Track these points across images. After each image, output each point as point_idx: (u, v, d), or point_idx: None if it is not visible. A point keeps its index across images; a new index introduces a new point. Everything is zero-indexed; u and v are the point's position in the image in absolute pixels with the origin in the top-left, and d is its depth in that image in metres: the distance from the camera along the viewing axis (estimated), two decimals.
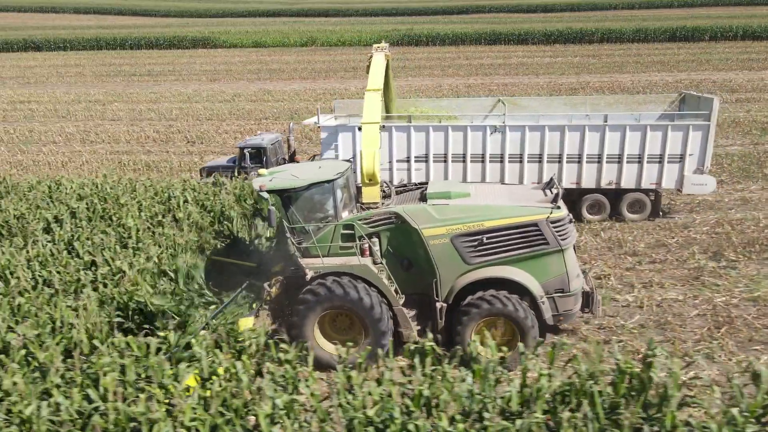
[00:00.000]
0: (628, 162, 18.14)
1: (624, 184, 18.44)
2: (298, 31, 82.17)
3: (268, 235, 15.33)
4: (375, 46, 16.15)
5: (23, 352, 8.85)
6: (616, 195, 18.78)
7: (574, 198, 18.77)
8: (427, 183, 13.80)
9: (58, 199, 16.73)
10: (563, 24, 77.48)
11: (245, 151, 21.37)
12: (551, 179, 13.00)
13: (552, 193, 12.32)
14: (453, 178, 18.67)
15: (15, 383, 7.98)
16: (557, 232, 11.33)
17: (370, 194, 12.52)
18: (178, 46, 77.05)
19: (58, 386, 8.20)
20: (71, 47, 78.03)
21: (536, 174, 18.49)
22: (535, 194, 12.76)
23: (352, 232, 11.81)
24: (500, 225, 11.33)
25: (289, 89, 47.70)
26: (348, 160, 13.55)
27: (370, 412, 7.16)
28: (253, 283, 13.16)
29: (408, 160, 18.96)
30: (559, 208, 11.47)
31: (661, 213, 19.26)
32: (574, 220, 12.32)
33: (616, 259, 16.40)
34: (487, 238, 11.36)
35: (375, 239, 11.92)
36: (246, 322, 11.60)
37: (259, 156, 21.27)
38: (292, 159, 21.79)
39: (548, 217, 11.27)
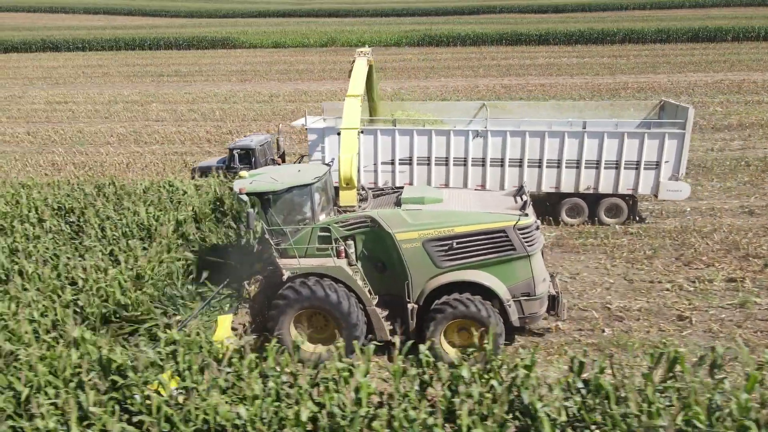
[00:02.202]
0: (605, 168, 18.66)
1: (602, 190, 18.96)
2: (316, 31, 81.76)
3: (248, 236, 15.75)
4: (358, 50, 16.54)
5: (253, 356, 8.63)
6: (594, 199, 19.26)
7: (554, 201, 19.50)
8: (402, 187, 14.35)
9: (179, 200, 16.41)
10: (580, 24, 77.28)
11: (234, 152, 21.78)
12: (521, 187, 13.52)
13: (522, 200, 12.79)
14: (436, 181, 19.33)
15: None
16: (524, 238, 11.86)
17: (347, 198, 13.08)
18: (197, 46, 76.63)
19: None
20: (89, 47, 77.42)
21: (517, 178, 19.01)
22: (506, 201, 13.32)
23: (329, 234, 12.26)
24: (469, 231, 11.86)
25: (324, 89, 47.43)
26: (328, 164, 14.06)
27: (679, 420, 6.95)
28: (234, 281, 13.61)
29: (392, 163, 19.49)
30: (526, 215, 12.00)
31: (637, 218, 19.73)
32: (540, 226, 12.76)
33: (739, 262, 16.23)
34: (457, 243, 11.89)
35: (350, 242, 12.39)
36: (226, 320, 12.08)
37: (248, 157, 21.61)
38: (282, 160, 22.63)
39: (515, 224, 11.76)
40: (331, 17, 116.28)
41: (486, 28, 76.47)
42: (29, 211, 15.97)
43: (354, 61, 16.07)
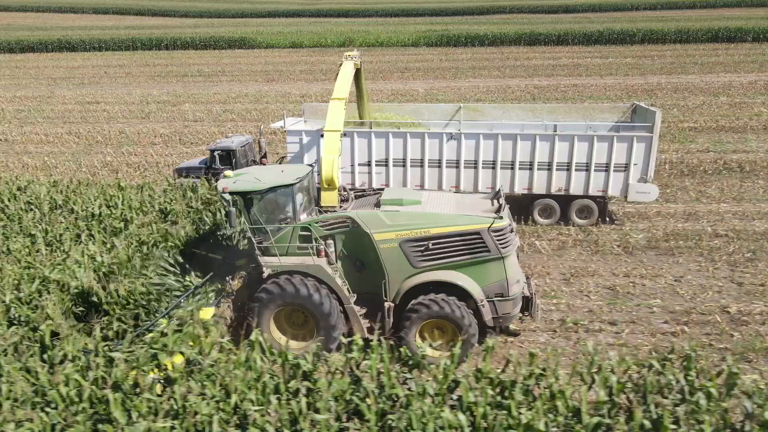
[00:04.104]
0: (576, 170, 19.19)
1: (573, 191, 19.58)
2: (333, 31, 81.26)
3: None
4: (345, 54, 16.95)
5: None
6: (566, 200, 19.80)
7: (527, 202, 20.11)
8: (383, 189, 14.86)
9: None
10: (596, 25, 76.95)
11: (215, 153, 22.24)
12: (498, 190, 13.94)
13: (499, 203, 13.27)
14: (411, 182, 19.92)
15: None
16: (498, 240, 12.26)
17: (329, 198, 13.64)
18: (214, 46, 76.13)
19: None
20: (106, 47, 76.88)
21: (490, 180, 19.66)
22: (483, 203, 13.72)
23: (309, 233, 12.69)
24: (445, 232, 12.28)
25: (353, 90, 46.59)
26: (310, 164, 14.52)
27: None
28: (218, 275, 14.02)
29: (369, 164, 20.09)
30: (501, 218, 12.40)
31: (607, 219, 20.18)
32: (515, 228, 13.25)
33: None
34: (433, 244, 12.32)
35: (330, 241, 12.82)
36: (207, 312, 12.50)
37: (228, 158, 22.07)
38: (262, 160, 23.23)
39: (490, 226, 12.15)
40: (341, 17, 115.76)
41: (502, 29, 76.06)
42: (132, 213, 15.70)
43: (341, 64, 16.36)
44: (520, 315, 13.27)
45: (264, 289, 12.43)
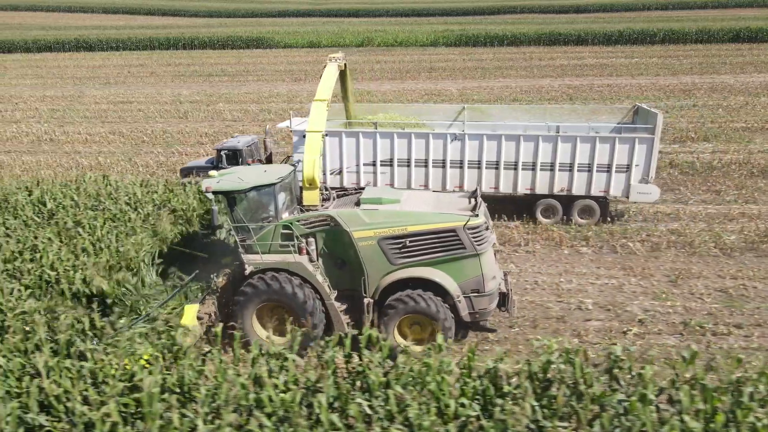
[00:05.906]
0: (579, 170, 19.30)
1: (575, 191, 19.66)
2: (350, 31, 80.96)
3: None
4: (330, 56, 17.20)
5: None
6: (568, 201, 19.91)
7: (530, 202, 20.23)
8: (363, 188, 15.12)
9: None
10: (613, 25, 76.86)
11: (221, 152, 22.36)
12: (476, 189, 14.17)
13: (476, 201, 13.50)
14: (416, 182, 20.14)
15: None
16: (474, 237, 12.50)
17: (310, 197, 13.94)
18: (231, 46, 75.62)
19: None
20: (124, 47, 76.41)
21: (493, 180, 20.01)
22: (460, 202, 13.94)
23: (291, 231, 12.91)
24: (421, 230, 12.52)
25: (386, 89, 46.76)
26: (293, 164, 14.65)
27: None
28: (203, 272, 14.18)
29: (374, 164, 20.24)
30: (476, 216, 12.64)
31: (608, 219, 20.21)
32: (491, 226, 13.43)
33: None
34: (410, 242, 12.55)
35: (311, 239, 13.06)
36: (191, 309, 12.65)
37: (235, 157, 22.09)
38: (269, 161, 23.19)
39: (465, 224, 12.38)
40: (351, 17, 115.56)
41: (519, 29, 75.86)
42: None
43: (325, 66, 16.70)
44: (497, 310, 13.51)
45: (246, 286, 12.74)
